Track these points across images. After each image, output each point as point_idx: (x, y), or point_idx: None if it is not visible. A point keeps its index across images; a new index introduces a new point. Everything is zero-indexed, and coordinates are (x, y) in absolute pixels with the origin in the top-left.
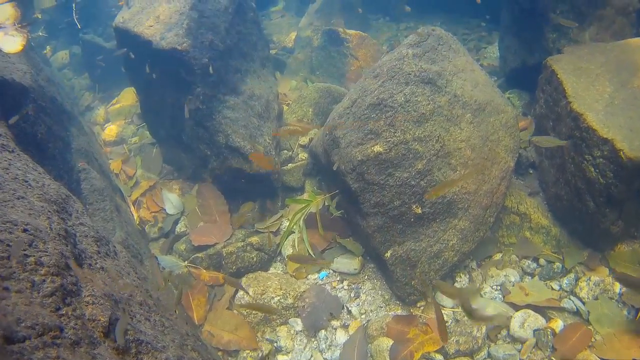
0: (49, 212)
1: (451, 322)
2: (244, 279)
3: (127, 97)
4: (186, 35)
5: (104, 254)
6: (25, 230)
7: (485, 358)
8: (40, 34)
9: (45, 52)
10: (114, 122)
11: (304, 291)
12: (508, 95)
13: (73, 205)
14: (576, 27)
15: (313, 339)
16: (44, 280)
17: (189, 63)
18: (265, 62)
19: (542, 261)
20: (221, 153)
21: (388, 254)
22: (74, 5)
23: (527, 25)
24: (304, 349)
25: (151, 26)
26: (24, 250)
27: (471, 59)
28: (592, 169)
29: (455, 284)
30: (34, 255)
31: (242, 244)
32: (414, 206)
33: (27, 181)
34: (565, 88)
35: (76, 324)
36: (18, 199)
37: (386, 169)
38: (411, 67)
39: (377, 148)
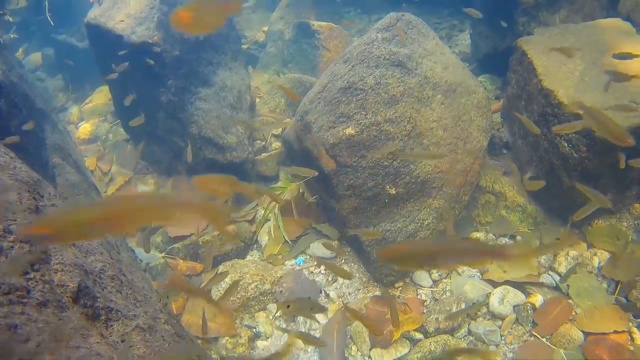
0: (20, 189)
1: (430, 301)
2: (220, 267)
3: (101, 96)
4: (157, 28)
5: None
6: None
7: (465, 335)
8: (12, 36)
9: (17, 54)
10: (88, 120)
11: (281, 276)
12: (480, 79)
13: (45, 188)
14: (546, 11)
15: (292, 324)
16: (12, 247)
17: (160, 56)
18: (237, 54)
19: (519, 239)
20: (194, 144)
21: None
22: (46, 2)
23: (498, 11)
24: (283, 334)
25: (122, 21)
26: None
27: (441, 42)
28: (566, 144)
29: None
30: (2, 224)
31: (218, 232)
32: (388, 187)
33: None
34: (536, 67)
35: (44, 288)
36: None
37: (358, 151)
38: (381, 50)
39: (349, 131)
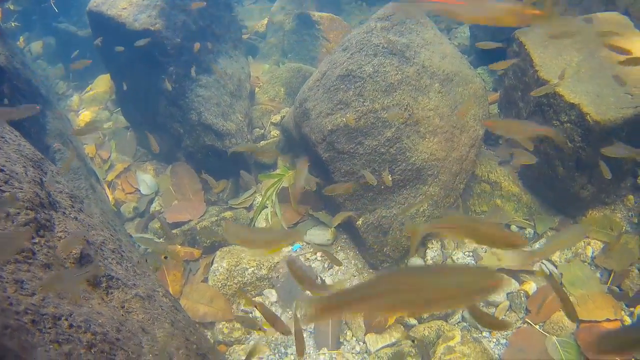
0: (25, 162)
1: None
2: (218, 253)
3: (101, 85)
4: (159, 16)
5: (77, 209)
6: (1, 171)
7: (459, 321)
8: (13, 24)
9: (18, 42)
10: (88, 108)
11: (278, 262)
12: (479, 71)
13: (48, 166)
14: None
15: (288, 309)
16: (18, 213)
17: (162, 43)
18: (238, 43)
19: (513, 228)
20: (194, 131)
21: (360, 222)
22: None
23: None
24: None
25: (124, 8)
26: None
27: (439, 32)
28: (560, 134)
29: (427, 251)
30: (9, 191)
31: (216, 218)
32: (384, 173)
33: (3, 137)
34: (533, 58)
35: (48, 252)
36: None
37: (356, 138)
38: (379, 39)
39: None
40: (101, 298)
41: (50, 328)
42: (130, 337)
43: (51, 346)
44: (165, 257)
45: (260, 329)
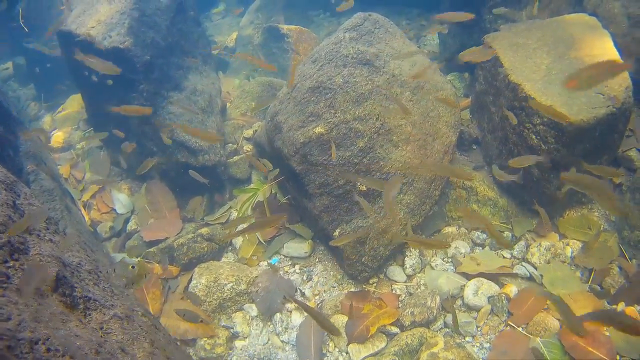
0: None
1: (405, 296)
2: (196, 269)
3: (73, 105)
4: (128, 34)
5: (52, 230)
6: None
7: (441, 328)
8: None
9: None
10: (61, 129)
11: (257, 276)
12: (449, 78)
13: (21, 189)
14: (514, 8)
15: (269, 323)
16: None
17: (131, 61)
18: (207, 59)
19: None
20: (167, 148)
21: (336, 233)
22: (20, 10)
23: (465, 9)
24: (261, 333)
25: (93, 27)
26: None
27: (408, 41)
28: (534, 137)
29: (406, 259)
30: None
31: (193, 235)
32: (359, 183)
33: None
34: (503, 62)
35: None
36: None
37: (329, 149)
38: (348, 49)
39: (319, 129)
40: (79, 320)
41: (27, 353)
42: (109, 358)
43: None
44: (133, 267)
45: (201, 321)
